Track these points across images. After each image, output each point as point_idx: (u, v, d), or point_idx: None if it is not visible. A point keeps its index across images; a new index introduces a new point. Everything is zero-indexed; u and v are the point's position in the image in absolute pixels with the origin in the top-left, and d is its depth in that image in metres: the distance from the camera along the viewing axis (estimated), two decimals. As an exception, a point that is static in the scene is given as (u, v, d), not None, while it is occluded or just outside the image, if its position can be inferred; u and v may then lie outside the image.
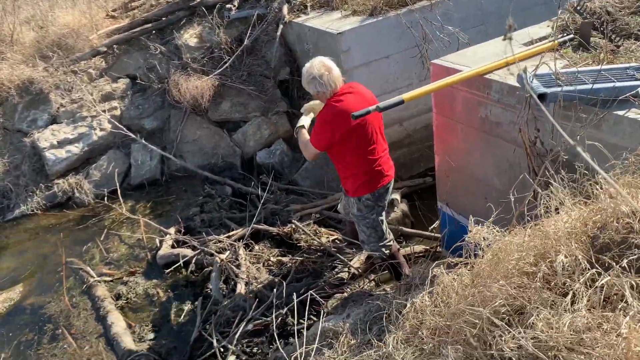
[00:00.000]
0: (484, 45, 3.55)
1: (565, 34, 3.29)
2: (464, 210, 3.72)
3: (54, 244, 4.80)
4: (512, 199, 1.95)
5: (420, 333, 1.99)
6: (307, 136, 3.36)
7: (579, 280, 1.37)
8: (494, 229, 1.88)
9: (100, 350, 3.44)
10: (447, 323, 1.80)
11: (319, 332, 2.65)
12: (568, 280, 1.42)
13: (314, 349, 2.52)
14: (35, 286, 4.25)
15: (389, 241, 3.55)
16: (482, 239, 1.86)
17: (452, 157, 3.61)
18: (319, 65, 3.20)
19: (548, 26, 3.60)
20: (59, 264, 4.45)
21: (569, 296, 1.34)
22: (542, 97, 2.47)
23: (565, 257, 1.44)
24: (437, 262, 2.29)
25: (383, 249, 3.52)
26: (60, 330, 3.69)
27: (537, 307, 1.37)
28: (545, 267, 1.44)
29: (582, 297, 1.34)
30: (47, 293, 4.13)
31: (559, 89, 2.46)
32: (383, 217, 3.48)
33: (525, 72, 2.51)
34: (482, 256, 1.93)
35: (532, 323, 1.35)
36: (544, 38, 3.39)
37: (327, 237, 4.36)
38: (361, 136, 3.19)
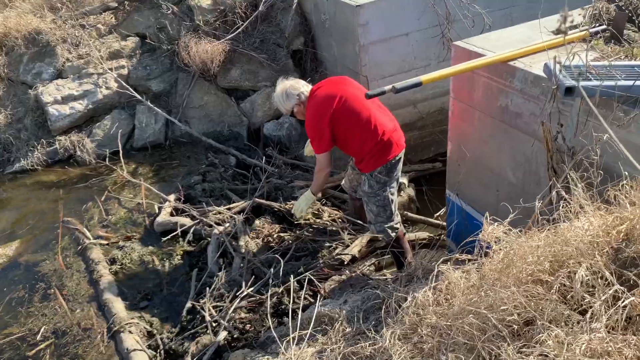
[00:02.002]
0: (510, 30, 3.36)
1: (597, 24, 3.10)
2: (473, 200, 3.60)
3: (53, 201, 4.73)
4: (538, 203, 1.81)
5: (419, 330, 1.89)
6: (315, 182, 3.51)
7: (600, 297, 1.25)
8: (510, 229, 1.75)
9: (91, 314, 3.38)
10: (449, 324, 1.70)
11: (314, 317, 2.57)
12: (587, 295, 1.30)
13: (308, 334, 2.44)
14: (31, 243, 4.19)
15: (397, 223, 3.46)
16: (496, 238, 1.74)
17: (466, 145, 3.46)
18: (281, 86, 3.42)
19: (580, 14, 3.41)
20: (57, 222, 4.38)
21: (588, 314, 1.23)
22: (569, 90, 2.32)
23: (587, 269, 1.32)
24: (443, 257, 2.17)
25: (389, 230, 3.43)
26: (52, 290, 3.64)
27: (550, 322, 1.26)
28: (562, 277, 1.33)
29: (602, 315, 1.23)
30: (43, 251, 4.07)
31: (589, 83, 2.30)
32: (394, 197, 3.41)
33: (554, 62, 2.35)
34: (493, 256, 1.81)
35: (543, 339, 1.24)
36: (575, 27, 3.20)
37: (330, 215, 4.26)
38: (350, 112, 3.22)
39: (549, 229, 1.62)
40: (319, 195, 3.54)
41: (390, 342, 1.94)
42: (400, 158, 3.39)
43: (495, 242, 1.79)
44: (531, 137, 2.86)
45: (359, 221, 4.06)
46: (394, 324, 2.07)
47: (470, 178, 3.54)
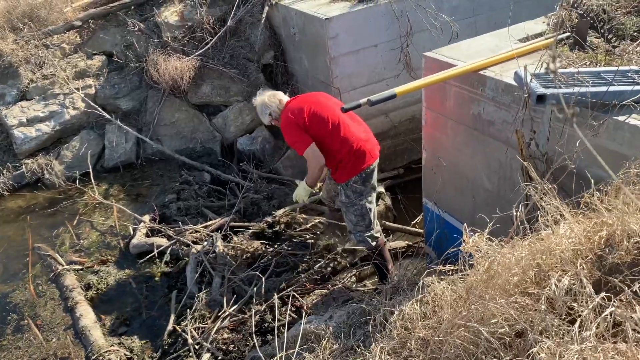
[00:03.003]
0: (478, 39, 3.44)
1: (561, 32, 3.19)
2: (449, 207, 3.64)
3: (20, 228, 4.57)
4: (515, 212, 1.84)
5: (409, 344, 1.89)
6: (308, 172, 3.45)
7: (587, 306, 1.27)
8: (490, 239, 1.77)
9: (68, 343, 3.27)
10: (440, 338, 1.70)
11: (300, 335, 2.54)
12: (575, 304, 1.33)
13: (295, 353, 2.41)
14: (-1, 273, 4.04)
15: (377, 232, 3.47)
16: (477, 250, 1.76)
17: (441, 153, 3.51)
18: (260, 98, 3.55)
19: (544, 22, 3.51)
20: (26, 249, 4.24)
21: (577, 324, 1.24)
22: (541, 98, 2.37)
23: (571, 278, 1.34)
24: (427, 270, 2.18)
25: (369, 239, 3.44)
26: (25, 321, 3.50)
27: (541, 333, 1.28)
28: (548, 289, 1.34)
29: (591, 324, 1.25)
30: (13, 280, 3.92)
31: (558, 90, 2.36)
32: (372, 206, 3.42)
33: (525, 71, 2.40)
34: (477, 267, 1.83)
35: (535, 352, 1.25)
36: (540, 35, 3.30)
37: (308, 222, 4.26)
38: (319, 120, 3.27)
39: (530, 239, 1.64)
40: (319, 185, 3.58)
41: (379, 357, 1.93)
42: (374, 167, 3.42)
43: (477, 252, 1.81)
44: (504, 144, 2.92)
45: (340, 222, 4.05)
46: (382, 339, 2.06)
47: (446, 185, 3.59)
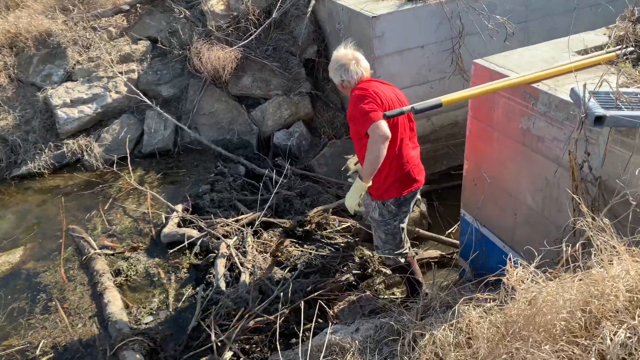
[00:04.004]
0: (532, 49, 3.26)
1: (625, 45, 2.98)
2: (488, 222, 3.49)
3: (57, 208, 4.66)
4: (565, 247, 1.70)
5: (438, 374, 1.79)
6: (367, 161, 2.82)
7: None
8: (536, 272, 1.65)
9: (94, 330, 3.30)
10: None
11: (324, 346, 2.47)
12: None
13: (318, 365, 2.35)
14: (34, 251, 4.12)
15: (405, 250, 3.32)
16: (520, 281, 1.64)
17: (483, 165, 3.36)
18: (349, 54, 3.01)
19: (604, 34, 3.30)
20: (61, 230, 4.31)
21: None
22: (599, 119, 2.21)
23: (627, 331, 1.22)
24: (460, 286, 2.07)
25: (399, 257, 3.31)
26: (53, 303, 3.56)
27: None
28: (600, 341, 1.22)
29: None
30: (45, 260, 3.99)
31: (619, 113, 2.20)
32: (404, 225, 3.24)
33: (583, 89, 2.24)
34: (518, 299, 1.71)
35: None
36: (600, 48, 3.09)
37: (339, 224, 4.18)
38: (390, 125, 2.79)
39: (580, 278, 1.51)
40: (370, 182, 2.88)
41: (406, 383, 1.84)
42: (415, 193, 3.17)
43: (520, 285, 1.69)
44: (553, 162, 2.75)
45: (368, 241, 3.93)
46: (410, 363, 1.97)
47: (487, 199, 3.44)
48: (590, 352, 1.24)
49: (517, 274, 1.64)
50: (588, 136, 2.44)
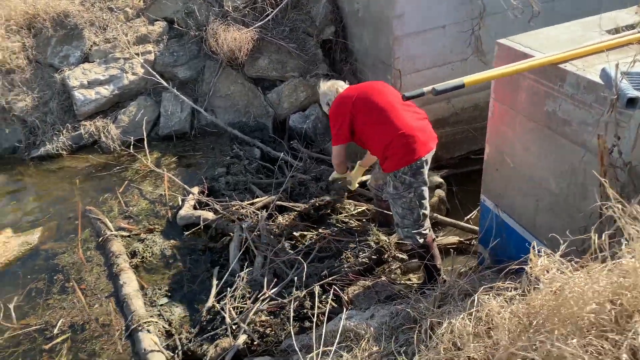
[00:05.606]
0: (560, 28, 3.11)
1: (658, 25, 2.84)
2: (509, 208, 3.40)
3: (75, 189, 4.68)
4: (593, 236, 1.61)
5: (456, 364, 1.74)
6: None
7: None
8: (562, 263, 1.57)
9: (110, 310, 3.32)
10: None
11: (339, 332, 2.43)
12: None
13: (332, 352, 2.31)
14: (53, 232, 4.14)
15: (425, 229, 3.28)
16: (545, 271, 1.57)
17: (506, 150, 3.25)
18: (323, 88, 3.63)
19: (637, 12, 3.14)
20: (78, 211, 4.33)
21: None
22: (632, 101, 2.10)
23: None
24: (480, 272, 2.00)
25: (417, 237, 3.26)
26: (70, 284, 3.58)
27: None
28: (632, 335, 1.15)
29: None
30: (63, 241, 4.02)
31: (653, 94, 2.08)
32: (425, 201, 3.24)
33: (615, 69, 2.13)
34: (542, 289, 1.64)
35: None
36: (631, 27, 2.95)
37: (355, 209, 4.12)
38: (369, 105, 3.22)
39: (609, 267, 1.43)
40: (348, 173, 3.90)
41: (422, 372, 1.79)
42: (427, 159, 3.23)
43: (545, 275, 1.61)
44: (579, 146, 2.64)
45: (388, 211, 3.88)
46: (427, 351, 1.92)
47: (508, 184, 3.34)
48: (621, 348, 1.17)
49: (541, 262, 1.57)
50: (619, 119, 2.32)
